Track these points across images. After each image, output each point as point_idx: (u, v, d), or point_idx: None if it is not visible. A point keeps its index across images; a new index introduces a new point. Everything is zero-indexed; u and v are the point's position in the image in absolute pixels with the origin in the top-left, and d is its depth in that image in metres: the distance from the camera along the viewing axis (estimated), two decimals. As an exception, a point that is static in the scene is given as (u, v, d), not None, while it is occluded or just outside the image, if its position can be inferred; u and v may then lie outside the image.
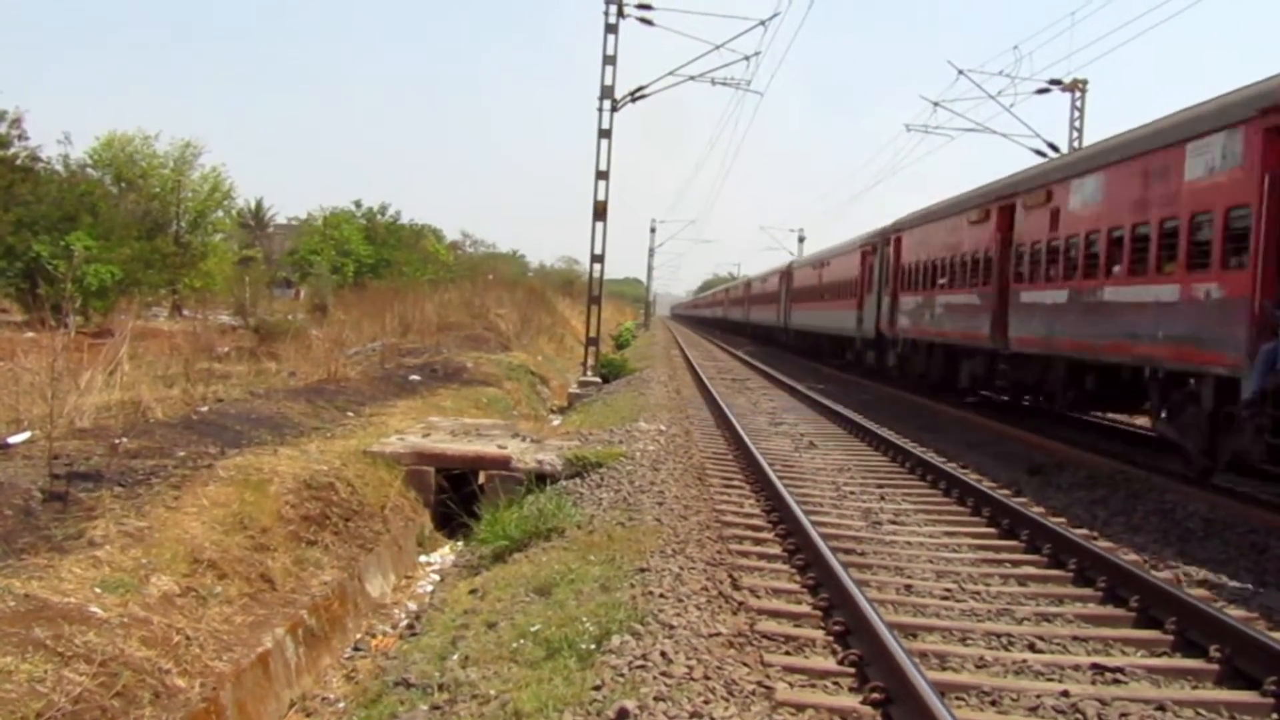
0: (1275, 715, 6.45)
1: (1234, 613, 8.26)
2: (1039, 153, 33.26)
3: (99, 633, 7.24)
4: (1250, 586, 9.44)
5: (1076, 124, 36.16)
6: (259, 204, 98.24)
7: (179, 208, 51.16)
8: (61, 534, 8.77)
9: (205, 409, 15.71)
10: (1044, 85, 33.96)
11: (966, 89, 47.95)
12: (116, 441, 11.96)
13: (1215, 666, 7.17)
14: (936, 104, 34.81)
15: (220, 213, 54.97)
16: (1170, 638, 7.79)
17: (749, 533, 10.75)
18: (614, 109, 30.86)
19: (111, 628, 7.39)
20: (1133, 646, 7.71)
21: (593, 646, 6.86)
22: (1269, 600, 8.97)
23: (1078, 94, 35.96)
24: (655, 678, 6.15)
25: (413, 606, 11.46)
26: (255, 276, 47.57)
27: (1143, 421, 20.56)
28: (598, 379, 31.83)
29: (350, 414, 17.81)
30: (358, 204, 68.98)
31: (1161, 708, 6.42)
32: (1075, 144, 35.27)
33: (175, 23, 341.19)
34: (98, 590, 7.88)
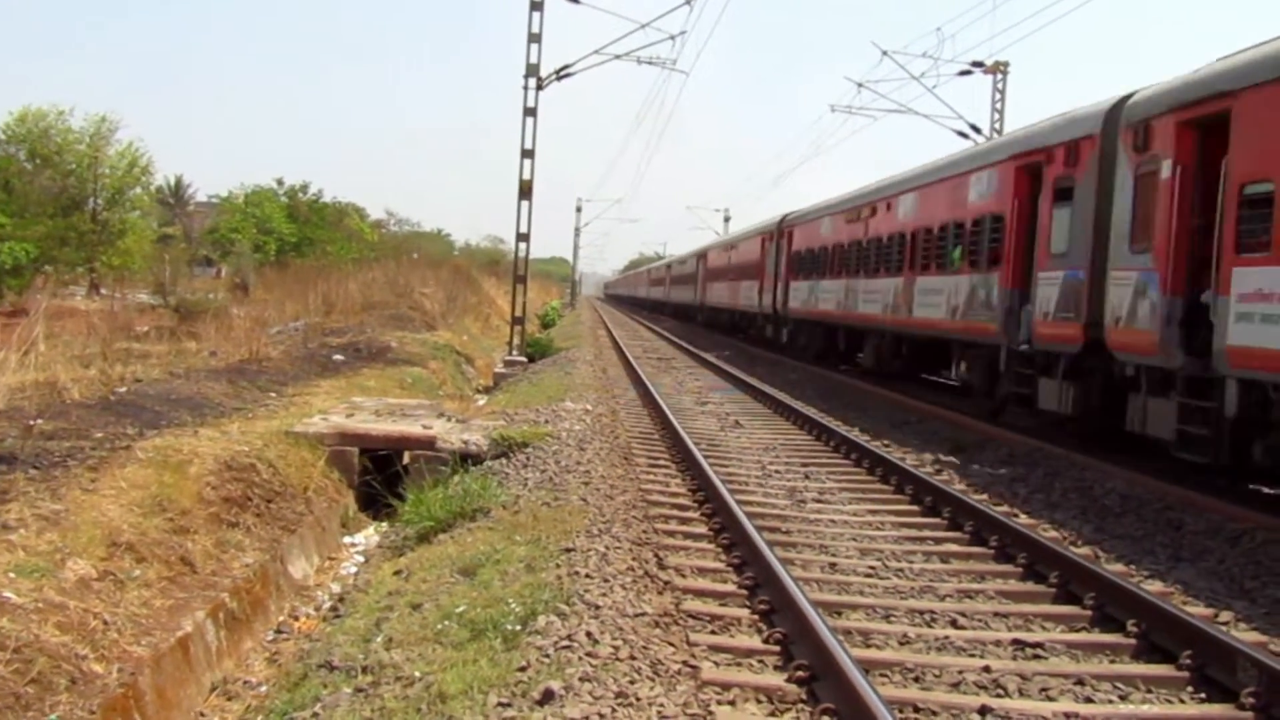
0: (1190, 689, 6.58)
1: (1150, 588, 8.40)
2: (961, 134, 33.64)
3: (12, 619, 7.09)
4: (1166, 562, 9.63)
5: (998, 106, 36.61)
6: (179, 181, 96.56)
7: (96, 184, 50.11)
8: (-27, 518, 8.57)
9: (123, 389, 15.44)
10: (966, 67, 34.28)
11: (891, 70, 48.20)
12: (31, 423, 11.72)
13: (1132, 641, 7.30)
14: (861, 85, 35.06)
15: (138, 189, 53.91)
16: (1089, 613, 7.91)
17: (675, 512, 10.77)
18: (539, 87, 30.67)
19: (26, 613, 7.24)
20: (1052, 622, 7.82)
21: (518, 627, 6.83)
22: (1184, 575, 9.15)
23: (999, 76, 36.38)
24: (581, 658, 6.13)
25: (336, 588, 11.35)
26: (175, 255, 46.92)
27: None
28: (524, 359, 31.71)
29: (272, 394, 17.58)
30: (280, 182, 68.24)
31: (1080, 682, 6.53)
32: (996, 126, 35.71)
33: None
34: (11, 575, 7.71)
